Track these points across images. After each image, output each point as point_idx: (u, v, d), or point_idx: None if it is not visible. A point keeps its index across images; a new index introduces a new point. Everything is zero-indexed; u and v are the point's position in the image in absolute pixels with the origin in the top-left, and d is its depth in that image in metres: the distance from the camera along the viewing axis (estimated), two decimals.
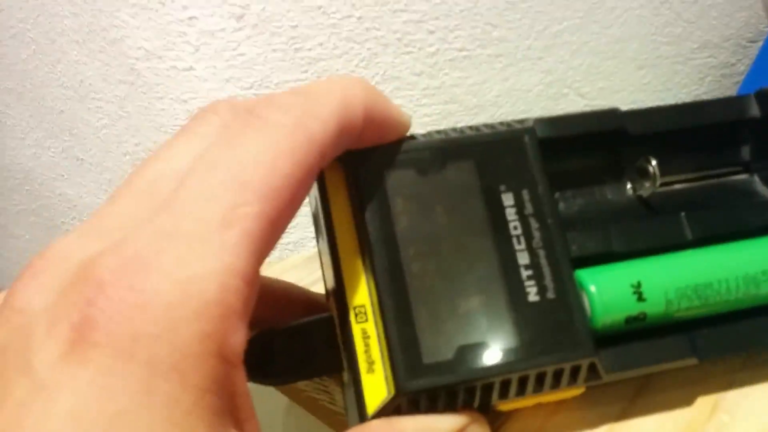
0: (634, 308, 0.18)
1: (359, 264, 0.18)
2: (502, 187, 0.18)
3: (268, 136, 0.15)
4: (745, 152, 0.23)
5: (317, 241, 0.21)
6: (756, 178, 0.23)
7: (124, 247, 0.14)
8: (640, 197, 0.22)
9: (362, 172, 0.18)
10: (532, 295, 0.18)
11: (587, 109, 0.46)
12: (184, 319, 0.13)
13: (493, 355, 0.17)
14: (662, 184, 0.21)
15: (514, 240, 0.18)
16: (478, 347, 0.17)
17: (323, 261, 0.21)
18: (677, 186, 0.22)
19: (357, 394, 0.18)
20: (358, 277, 0.18)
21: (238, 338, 0.14)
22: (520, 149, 0.19)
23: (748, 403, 0.20)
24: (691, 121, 0.22)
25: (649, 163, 0.21)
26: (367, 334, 0.18)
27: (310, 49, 0.37)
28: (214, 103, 0.17)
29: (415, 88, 0.41)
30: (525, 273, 0.18)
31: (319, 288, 0.23)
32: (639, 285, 0.18)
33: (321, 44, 0.37)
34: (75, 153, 0.50)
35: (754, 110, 0.22)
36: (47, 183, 0.57)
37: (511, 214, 0.18)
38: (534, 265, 0.18)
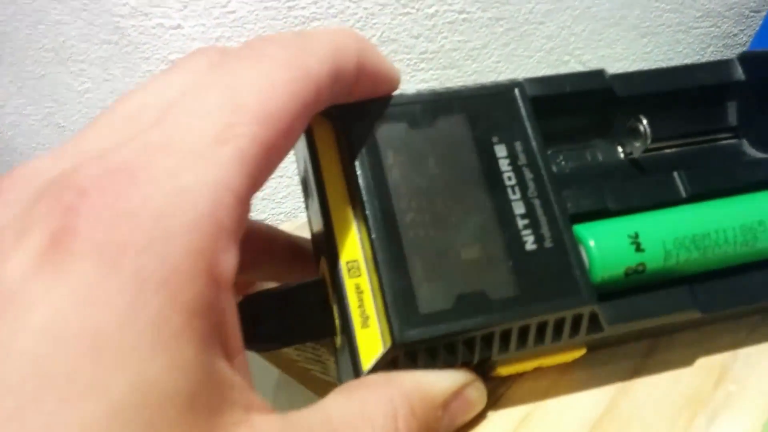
0: (633, 259, 0.18)
1: (350, 219, 0.18)
2: (495, 139, 0.18)
3: (264, 67, 0.15)
4: (733, 116, 0.23)
5: (306, 206, 0.20)
6: (744, 142, 0.23)
7: (109, 157, 0.13)
8: (631, 159, 0.22)
9: (352, 125, 0.18)
10: (530, 243, 0.17)
11: None
12: (175, 232, 0.12)
13: (492, 304, 0.17)
14: (652, 148, 0.22)
15: (509, 190, 0.18)
16: (476, 296, 0.17)
17: (312, 223, 0.20)
18: (667, 150, 0.23)
19: (351, 350, 0.17)
20: (350, 232, 0.18)
21: (229, 259, 0.13)
22: (511, 102, 0.19)
23: (756, 374, 0.20)
24: (677, 84, 0.22)
25: (640, 122, 0.21)
26: (360, 289, 0.17)
27: (304, 8, 0.36)
28: (201, 47, 0.17)
29: (412, 52, 0.39)
30: (521, 222, 0.17)
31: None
32: (636, 236, 0.18)
33: (315, 2, 0.36)
34: (56, 120, 0.48)
35: (739, 73, 0.22)
36: (27, 153, 0.55)
37: (504, 164, 0.18)
38: (530, 214, 0.18)
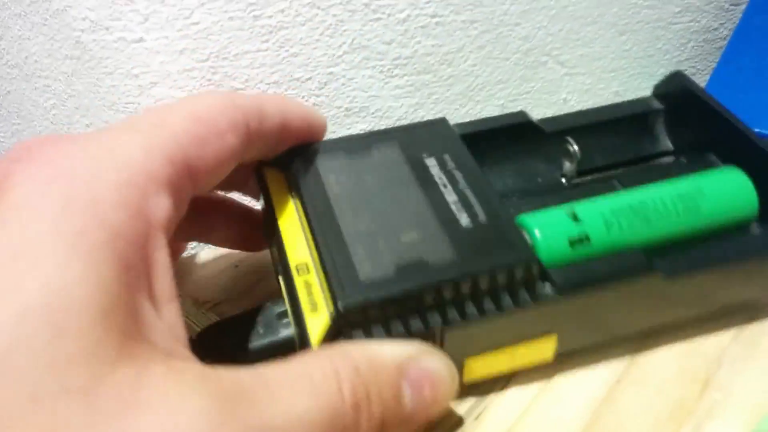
0: (573, 229, 0.19)
1: (300, 235, 0.19)
2: (425, 155, 0.21)
3: None
4: (665, 142, 0.25)
5: (270, 247, 0.21)
6: (679, 162, 0.25)
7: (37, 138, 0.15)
8: (574, 184, 0.24)
9: (295, 162, 0.20)
10: (464, 220, 0.19)
11: (566, 77, 0.45)
12: (107, 168, 0.14)
13: (432, 266, 0.17)
14: (592, 170, 0.24)
15: (441, 186, 0.20)
16: (416, 263, 0.17)
17: (273, 255, 0.21)
18: (603, 174, 0.24)
19: (301, 332, 0.17)
20: (300, 243, 0.19)
21: (161, 202, 0.14)
22: (439, 128, 0.22)
23: (741, 381, 0.20)
24: (601, 117, 0.24)
25: (570, 143, 0.23)
26: (309, 284, 0.18)
27: (270, 17, 0.35)
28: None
29: (385, 58, 0.38)
30: (454, 206, 0.19)
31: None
32: (573, 211, 0.20)
33: (282, 11, 0.35)
34: (24, 137, 0.47)
35: (656, 104, 0.25)
36: None
37: (435, 170, 0.20)
38: (462, 200, 0.19)
